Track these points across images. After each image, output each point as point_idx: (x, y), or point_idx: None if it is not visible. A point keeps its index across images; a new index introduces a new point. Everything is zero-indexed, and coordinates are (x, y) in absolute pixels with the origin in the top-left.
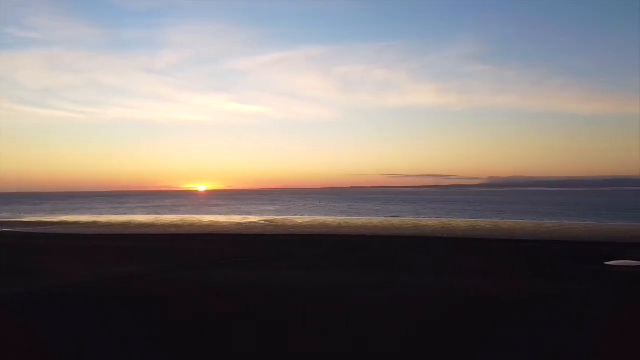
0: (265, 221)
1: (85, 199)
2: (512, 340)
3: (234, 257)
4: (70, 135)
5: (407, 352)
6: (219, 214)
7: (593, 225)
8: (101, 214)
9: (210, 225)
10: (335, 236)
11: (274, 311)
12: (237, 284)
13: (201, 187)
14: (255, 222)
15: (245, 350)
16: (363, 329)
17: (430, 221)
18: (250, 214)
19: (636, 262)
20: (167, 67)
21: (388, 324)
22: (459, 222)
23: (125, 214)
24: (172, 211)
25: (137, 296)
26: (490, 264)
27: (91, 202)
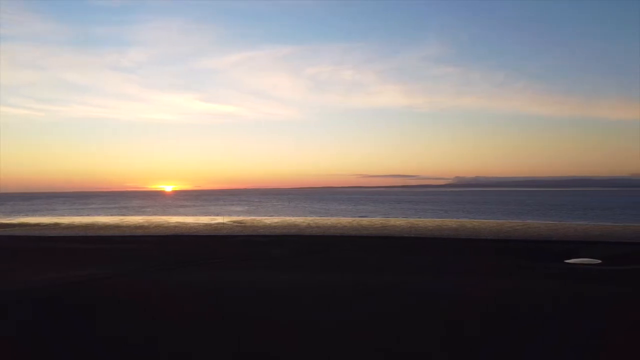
0: (234, 222)
1: (46, 200)
2: (477, 340)
3: (200, 259)
4: (31, 133)
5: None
6: (187, 215)
7: (554, 224)
8: (63, 215)
9: (177, 226)
10: (304, 237)
11: (234, 315)
12: (202, 286)
13: (168, 188)
14: (223, 223)
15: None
16: (322, 329)
17: (398, 221)
18: (218, 214)
19: (594, 259)
20: (134, 65)
21: (350, 323)
22: (426, 221)
23: (88, 215)
24: (137, 212)
25: (98, 300)
26: (454, 263)
27: (52, 203)
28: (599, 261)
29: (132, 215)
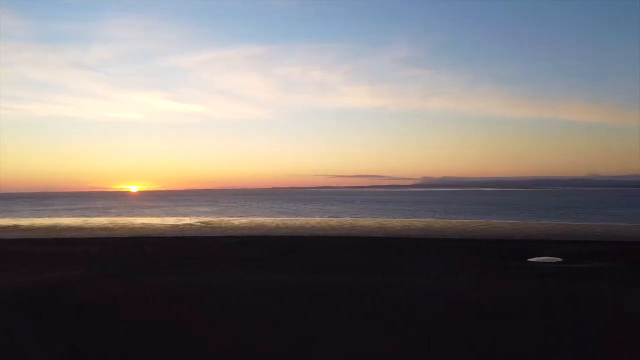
0: (201, 223)
1: (4, 202)
2: (442, 340)
3: (167, 261)
4: None
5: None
6: (153, 216)
7: (518, 224)
8: (23, 217)
9: (143, 227)
10: (273, 237)
11: (199, 319)
12: (170, 290)
13: (134, 188)
14: (190, 224)
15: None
16: (292, 330)
17: (367, 221)
18: (185, 215)
19: (556, 258)
20: (100, 63)
21: (320, 325)
22: (395, 222)
23: (50, 216)
24: (102, 214)
25: (59, 305)
26: (421, 263)
27: (12, 204)
28: (560, 260)
29: (96, 216)
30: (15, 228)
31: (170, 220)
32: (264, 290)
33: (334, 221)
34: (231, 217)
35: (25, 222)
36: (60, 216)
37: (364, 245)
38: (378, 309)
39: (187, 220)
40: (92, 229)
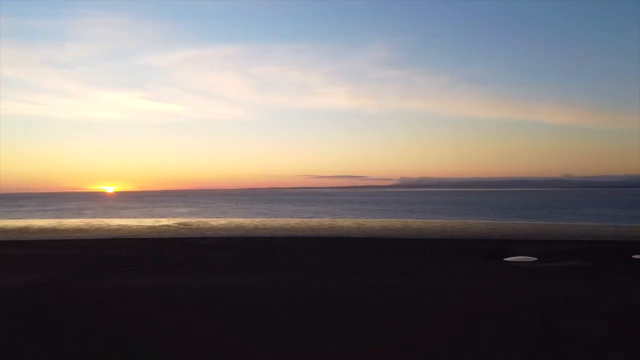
0: (179, 224)
1: None
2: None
3: (145, 263)
4: None
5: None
6: (129, 217)
7: (494, 224)
8: None
9: (119, 229)
10: (252, 238)
11: (170, 322)
12: (147, 292)
13: (109, 189)
14: (168, 225)
15: None
16: (266, 332)
17: (345, 222)
18: (162, 216)
19: (530, 257)
20: (74, 61)
21: (297, 327)
22: (373, 222)
23: (22, 218)
24: (76, 214)
25: (30, 309)
26: (399, 263)
27: None
28: (535, 259)
29: (70, 217)
30: None
31: (147, 222)
32: (240, 293)
33: (313, 222)
34: (209, 218)
35: None
36: (33, 217)
37: (342, 245)
38: (351, 312)
39: (164, 222)
40: (66, 230)
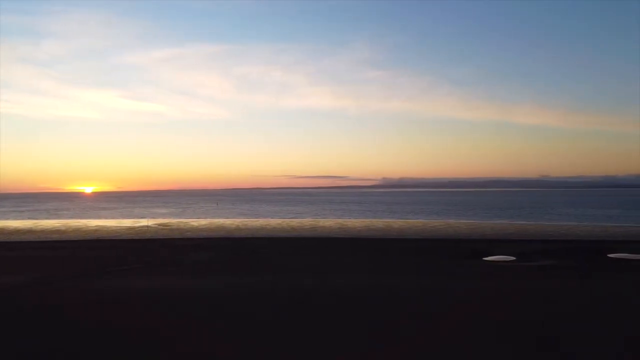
0: (159, 225)
1: None
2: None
3: (124, 264)
4: None
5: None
6: (108, 218)
7: (473, 224)
8: None
9: (97, 230)
10: (233, 239)
11: (144, 326)
12: (126, 295)
13: (87, 189)
14: (147, 226)
15: None
16: (244, 334)
17: (327, 222)
18: (142, 217)
19: (509, 257)
20: (50, 59)
21: (275, 330)
22: (355, 222)
23: None
24: (53, 215)
25: (5, 313)
26: (380, 263)
27: None
28: (514, 258)
29: (46, 218)
30: None
31: (127, 222)
32: (221, 294)
33: (295, 222)
34: (190, 218)
35: None
36: (8, 218)
37: (324, 246)
38: (333, 312)
39: (144, 222)
40: (43, 231)
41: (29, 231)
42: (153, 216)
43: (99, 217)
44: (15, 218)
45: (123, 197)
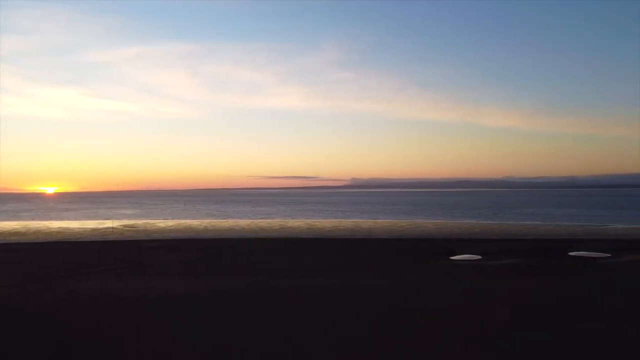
0: (124, 226)
1: None
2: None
3: (87, 267)
4: None
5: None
6: (71, 219)
7: (440, 223)
8: None
9: (60, 232)
10: (201, 240)
11: (109, 329)
12: (91, 298)
13: (49, 190)
14: (112, 228)
15: None
16: (213, 338)
17: (296, 222)
18: (107, 218)
19: (475, 255)
20: (11, 55)
21: (241, 333)
22: (324, 222)
23: None
24: (12, 217)
25: None
26: (348, 263)
27: None
28: (479, 257)
29: (5, 220)
30: None
31: (91, 224)
32: (188, 296)
33: (264, 223)
34: (156, 219)
35: None
36: None
37: (292, 246)
38: (295, 314)
39: (108, 223)
40: (1, 233)
41: None
42: (118, 217)
43: (62, 219)
44: None
45: (87, 197)
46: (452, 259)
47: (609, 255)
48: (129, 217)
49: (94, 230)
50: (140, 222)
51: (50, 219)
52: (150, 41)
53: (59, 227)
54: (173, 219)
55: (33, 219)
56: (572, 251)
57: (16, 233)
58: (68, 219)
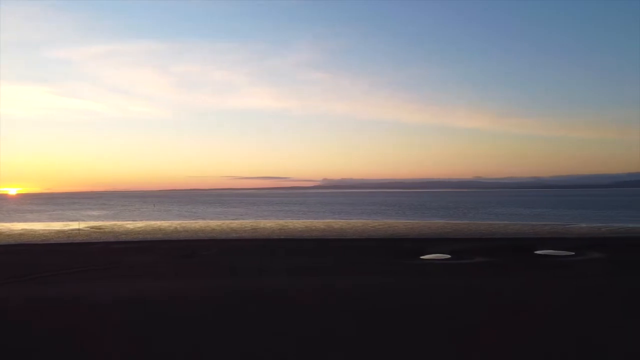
0: (91, 228)
1: None
2: (350, 340)
3: (52, 270)
4: None
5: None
6: (35, 221)
7: (411, 223)
8: None
9: (23, 234)
10: (170, 242)
11: (72, 334)
12: (55, 302)
13: (12, 190)
14: (79, 229)
15: None
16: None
17: (268, 223)
18: (73, 220)
19: (444, 255)
20: None
21: (217, 335)
22: (296, 223)
23: None
24: None
25: None
26: (320, 263)
27: None
28: (449, 256)
29: None
30: None
31: (56, 225)
32: (159, 300)
33: (235, 223)
34: (125, 220)
35: None
36: None
37: (264, 247)
38: (266, 316)
39: (74, 225)
40: None
41: None
42: (85, 219)
43: (25, 220)
44: None
45: (52, 199)
46: (423, 258)
47: (573, 253)
48: (96, 218)
49: (59, 232)
50: (108, 224)
51: (13, 220)
52: (119, 39)
53: (21, 229)
54: (142, 220)
55: None
56: (538, 250)
57: None
58: (32, 220)
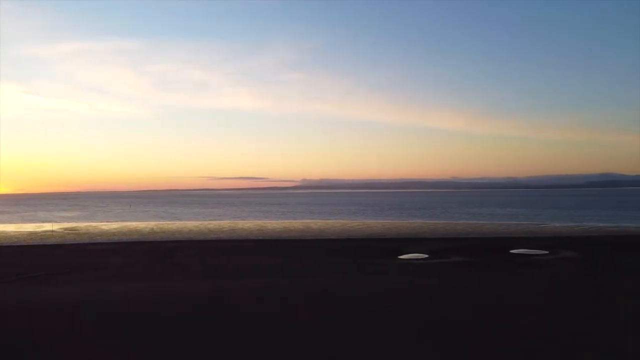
0: (65, 229)
1: None
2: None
3: (23, 272)
4: None
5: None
6: (6, 223)
7: (389, 223)
8: None
9: None
10: (147, 243)
11: (41, 339)
12: (28, 305)
13: None
14: (52, 231)
15: None
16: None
17: (247, 223)
18: (46, 221)
19: (422, 254)
20: None
21: (194, 337)
22: (274, 223)
23: None
24: None
25: None
26: (298, 263)
27: None
28: (426, 255)
29: None
30: None
31: (28, 227)
32: (134, 301)
33: (213, 224)
34: (100, 221)
35: None
36: None
37: (242, 248)
38: (242, 316)
39: (48, 227)
40: None
41: None
42: (58, 220)
43: None
44: None
45: (24, 200)
46: (400, 258)
47: (547, 252)
48: (70, 219)
49: (31, 234)
50: (82, 225)
51: None
52: (92, 37)
53: None
54: (118, 221)
55: None
56: (513, 249)
57: None
58: (2, 222)
